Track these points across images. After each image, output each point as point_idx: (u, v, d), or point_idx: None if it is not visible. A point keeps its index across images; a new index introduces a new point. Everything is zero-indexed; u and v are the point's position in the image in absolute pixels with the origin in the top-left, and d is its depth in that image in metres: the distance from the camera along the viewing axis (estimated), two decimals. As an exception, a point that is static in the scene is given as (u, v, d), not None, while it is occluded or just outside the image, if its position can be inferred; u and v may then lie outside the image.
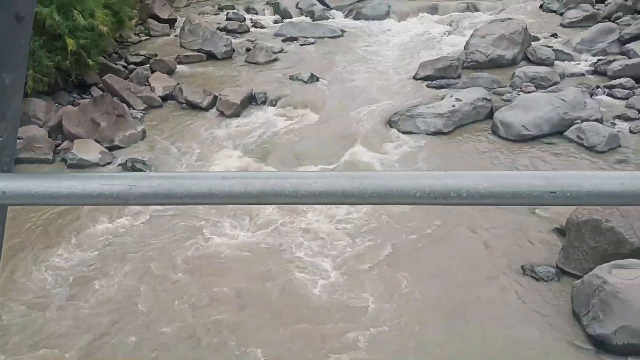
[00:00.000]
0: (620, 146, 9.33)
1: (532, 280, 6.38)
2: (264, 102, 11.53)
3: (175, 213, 7.72)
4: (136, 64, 13.27)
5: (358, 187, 0.91)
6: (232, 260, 6.92)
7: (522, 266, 6.59)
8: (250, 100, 11.53)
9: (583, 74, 12.45)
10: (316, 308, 6.14)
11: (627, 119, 10.26)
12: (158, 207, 7.57)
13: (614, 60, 12.47)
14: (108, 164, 9.22)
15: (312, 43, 15.62)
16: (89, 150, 9.35)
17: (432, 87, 11.96)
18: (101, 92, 11.00)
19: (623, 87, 11.39)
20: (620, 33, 13.68)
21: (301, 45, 15.51)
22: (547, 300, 6.07)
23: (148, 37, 15.72)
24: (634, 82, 11.50)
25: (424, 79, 12.37)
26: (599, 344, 5.41)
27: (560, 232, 7.07)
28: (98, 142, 9.63)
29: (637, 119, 10.28)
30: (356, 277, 6.58)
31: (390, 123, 10.40)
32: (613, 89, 11.37)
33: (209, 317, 6.00)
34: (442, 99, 10.97)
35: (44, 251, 7.06)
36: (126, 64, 13.21)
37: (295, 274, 6.61)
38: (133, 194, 0.94)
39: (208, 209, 7.70)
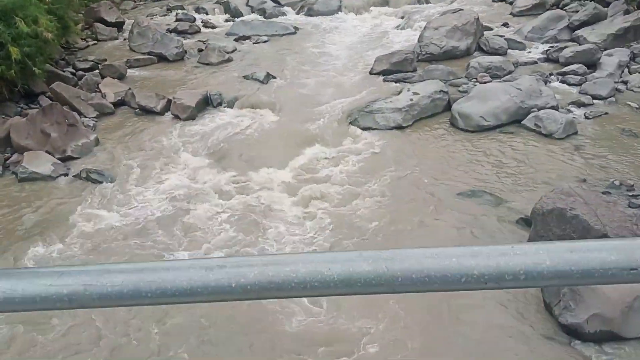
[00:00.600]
0: (577, 133, 9.45)
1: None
2: (219, 104, 11.30)
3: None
4: (85, 70, 12.86)
5: (385, 273, 0.73)
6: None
7: (490, 258, 6.58)
8: (206, 103, 11.30)
9: (536, 62, 12.60)
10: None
11: (582, 104, 10.42)
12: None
13: (565, 47, 12.66)
14: (62, 175, 8.87)
15: (266, 41, 15.43)
16: (41, 163, 8.99)
17: (389, 82, 11.93)
18: (50, 101, 10.61)
19: (575, 73, 11.57)
20: (569, 20, 13.92)
21: (254, 43, 15.31)
22: (516, 292, 6.07)
23: (96, 42, 15.26)
24: (585, 67, 11.69)
25: (380, 73, 12.33)
26: (572, 332, 5.44)
27: (526, 222, 7.11)
28: (50, 153, 9.28)
29: (591, 104, 10.45)
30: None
31: (350, 120, 10.33)
32: (566, 76, 11.54)
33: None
34: (399, 93, 10.95)
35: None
36: (74, 71, 12.78)
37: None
38: (90, 296, 0.74)
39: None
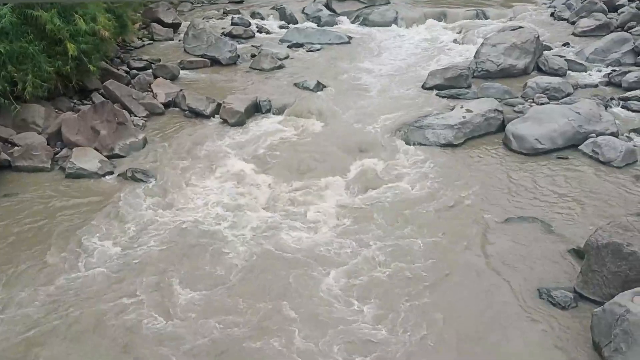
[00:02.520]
0: (637, 161, 9.05)
1: (548, 305, 6.10)
2: (268, 111, 11.27)
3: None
4: (139, 69, 13.03)
5: None
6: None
7: (538, 289, 6.31)
8: (255, 109, 11.28)
9: (597, 85, 12.18)
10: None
11: (644, 132, 9.99)
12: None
13: (629, 71, 12.21)
14: (108, 173, 8.95)
15: (319, 49, 15.38)
16: (88, 159, 9.09)
17: (442, 97, 11.69)
18: (102, 99, 10.76)
19: (638, 99, 11.11)
20: (634, 43, 13.42)
21: (307, 51, 15.28)
22: (565, 328, 5.79)
23: (151, 42, 15.48)
24: (649, 94, 11.24)
25: (433, 88, 12.11)
26: (621, 377, 5.14)
27: (577, 253, 6.80)
28: (98, 150, 9.37)
29: (654, 132, 10.01)
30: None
31: (399, 134, 10.14)
32: (628, 101, 11.10)
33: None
34: (452, 110, 10.70)
35: None
36: (128, 69, 12.96)
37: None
38: None
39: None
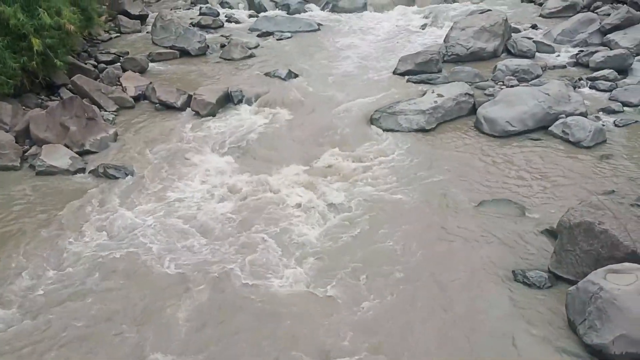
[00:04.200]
0: (605, 141, 9.18)
1: (524, 286, 6.18)
2: (240, 101, 11.18)
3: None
4: (107, 62, 12.84)
5: None
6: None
7: (513, 271, 6.38)
8: (227, 99, 11.18)
9: (565, 66, 12.32)
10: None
11: (611, 112, 10.13)
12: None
13: (596, 51, 12.38)
14: (79, 170, 8.80)
15: (289, 37, 15.32)
16: (59, 156, 8.94)
17: (413, 82, 11.73)
18: (70, 94, 10.59)
19: (606, 78, 11.27)
20: (600, 23, 13.60)
21: (278, 40, 15.21)
22: (540, 308, 5.87)
23: (119, 35, 15.26)
24: (616, 73, 11.41)
25: (404, 74, 12.15)
26: (597, 353, 5.22)
27: (551, 233, 6.89)
28: (68, 147, 9.22)
29: (621, 112, 10.16)
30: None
31: (372, 120, 10.15)
32: (596, 81, 11.25)
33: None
34: (423, 95, 10.74)
35: None
36: (96, 63, 12.77)
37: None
38: None
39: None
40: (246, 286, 6.34)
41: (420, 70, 12.05)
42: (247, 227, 7.41)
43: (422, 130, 9.86)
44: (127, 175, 8.66)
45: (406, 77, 12.01)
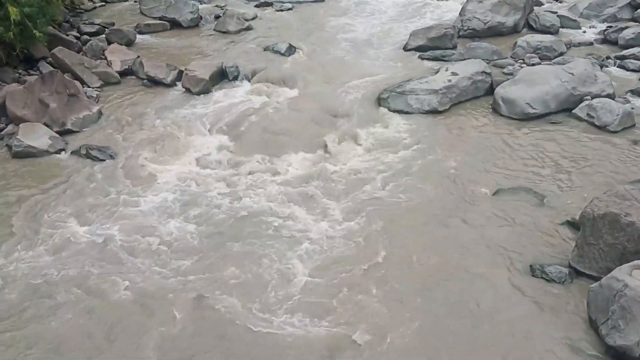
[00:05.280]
0: (634, 125, 9.18)
1: (542, 282, 6.18)
2: (236, 77, 11.18)
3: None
4: (90, 34, 12.84)
5: None
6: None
7: (531, 266, 6.39)
8: (221, 76, 11.18)
9: (591, 43, 12.30)
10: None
11: (642, 94, 10.12)
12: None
13: (626, 27, 12.35)
14: (59, 151, 8.82)
15: (290, 9, 15.29)
16: (37, 136, 8.94)
17: (425, 59, 11.74)
18: (50, 68, 10.58)
19: (636, 57, 11.26)
20: (631, -4, 13.52)
21: (277, 11, 15.19)
22: (559, 305, 5.88)
23: (104, 4, 15.26)
24: (647, 52, 11.36)
25: (416, 49, 12.13)
26: (620, 355, 5.23)
27: (572, 225, 6.89)
28: (47, 125, 9.23)
29: (653, 93, 10.14)
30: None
31: (379, 101, 10.13)
32: (625, 60, 11.23)
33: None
34: (436, 73, 10.72)
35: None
36: (79, 35, 12.76)
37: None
38: None
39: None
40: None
41: (433, 45, 12.03)
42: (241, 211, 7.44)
43: (435, 111, 9.85)
44: (111, 157, 8.67)
45: (417, 53, 11.99)
